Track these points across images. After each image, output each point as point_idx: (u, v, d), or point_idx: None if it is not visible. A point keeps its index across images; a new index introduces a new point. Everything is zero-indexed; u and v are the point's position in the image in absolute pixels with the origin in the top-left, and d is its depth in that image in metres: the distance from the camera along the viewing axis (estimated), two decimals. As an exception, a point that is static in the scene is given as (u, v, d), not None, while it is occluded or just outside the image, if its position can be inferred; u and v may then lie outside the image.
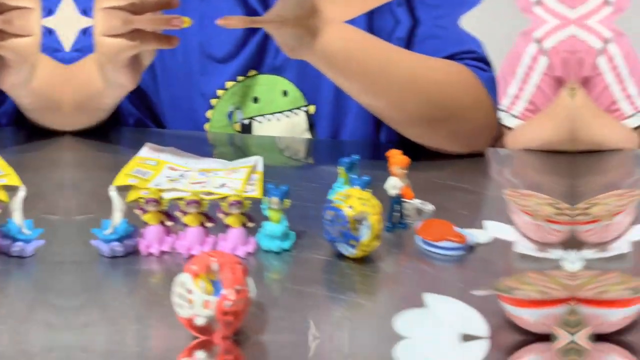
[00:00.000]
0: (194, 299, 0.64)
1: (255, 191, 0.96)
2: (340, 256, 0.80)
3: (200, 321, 0.65)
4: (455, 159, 1.07)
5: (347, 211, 0.77)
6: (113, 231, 0.81)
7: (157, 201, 0.82)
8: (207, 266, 0.66)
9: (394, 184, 0.85)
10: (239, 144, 1.20)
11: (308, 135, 1.18)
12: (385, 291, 0.78)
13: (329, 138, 1.16)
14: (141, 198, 0.84)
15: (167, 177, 1.00)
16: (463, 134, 1.03)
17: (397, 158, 0.84)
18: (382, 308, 0.73)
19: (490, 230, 0.86)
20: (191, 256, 0.80)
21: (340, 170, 0.91)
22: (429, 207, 0.91)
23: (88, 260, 0.80)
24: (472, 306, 0.67)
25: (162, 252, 0.82)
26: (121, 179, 0.98)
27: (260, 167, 1.03)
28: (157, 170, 1.02)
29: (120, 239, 0.81)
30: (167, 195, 0.93)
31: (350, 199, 0.78)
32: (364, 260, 0.79)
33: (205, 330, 0.66)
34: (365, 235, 0.78)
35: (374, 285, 0.78)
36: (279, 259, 0.81)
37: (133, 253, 0.81)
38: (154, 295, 0.74)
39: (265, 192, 0.83)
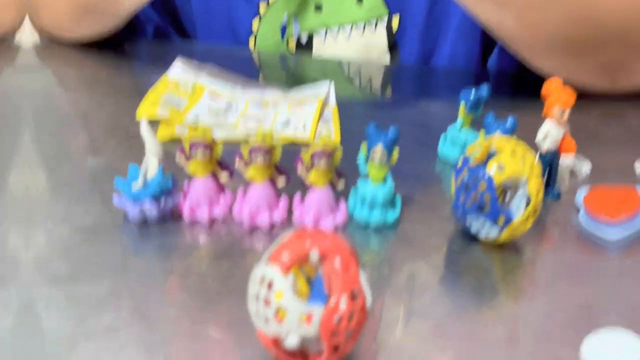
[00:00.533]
0: (286, 309, 0.41)
1: (332, 134, 0.72)
2: (470, 237, 0.56)
3: (293, 342, 0.42)
4: (605, 99, 0.79)
5: (496, 173, 0.53)
6: (144, 185, 0.57)
7: (209, 146, 0.57)
8: (304, 255, 0.43)
9: (550, 133, 0.60)
10: (293, 68, 0.92)
11: (388, 59, 0.90)
12: (544, 296, 0.52)
13: (416, 64, 0.88)
14: (180, 138, 0.59)
15: (210, 109, 0.74)
16: (619, 67, 0.77)
17: (558, 93, 0.58)
18: (550, 325, 0.48)
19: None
20: (254, 228, 0.57)
21: (461, 108, 0.66)
22: (585, 166, 0.66)
23: (105, 228, 0.56)
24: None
25: (213, 220, 0.58)
26: (146, 109, 0.72)
27: (332, 99, 0.77)
28: (195, 98, 0.76)
29: (154, 197, 0.57)
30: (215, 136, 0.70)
31: (501, 153, 0.54)
32: (504, 246, 0.55)
33: (298, 356, 0.43)
34: (519, 210, 0.54)
35: (524, 287, 0.53)
36: (380, 236, 0.57)
37: (170, 218, 0.58)
38: (204, 290, 0.50)
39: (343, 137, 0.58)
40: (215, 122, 0.72)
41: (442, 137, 0.69)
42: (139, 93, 0.74)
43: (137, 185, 0.56)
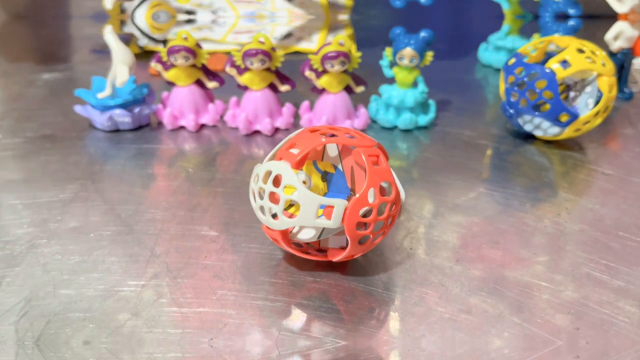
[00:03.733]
0: (299, 203, 0.32)
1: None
2: (522, 137, 0.47)
3: (308, 236, 0.33)
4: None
5: (558, 69, 0.43)
6: (112, 92, 0.48)
7: (191, 50, 0.48)
8: (317, 149, 0.35)
9: (623, 31, 0.51)
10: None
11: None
12: (614, 194, 0.41)
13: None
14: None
15: (192, 22, 0.65)
16: None
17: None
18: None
19: None
20: (251, 134, 0.48)
21: (508, 14, 0.57)
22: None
23: (66, 137, 0.48)
24: None
25: (201, 127, 0.49)
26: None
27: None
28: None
29: (126, 105, 0.48)
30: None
31: (566, 50, 0.44)
32: (564, 145, 0.46)
33: (312, 249, 0.35)
34: (587, 107, 0.45)
35: (587, 186, 0.43)
36: (411, 139, 0.48)
37: (146, 126, 0.49)
38: (193, 193, 0.41)
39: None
40: (199, 36, 0.63)
41: (482, 46, 0.60)
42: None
43: (103, 94, 0.47)
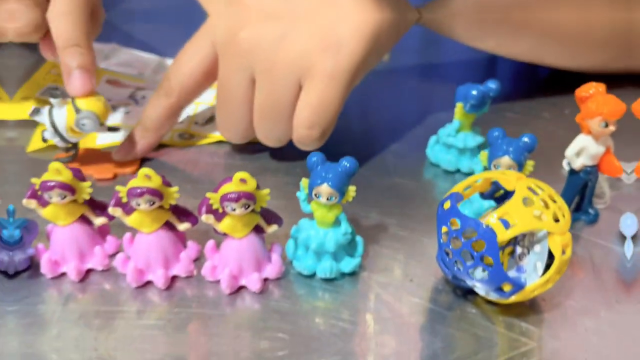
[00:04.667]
0: None
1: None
2: (465, 295, 0.40)
3: None
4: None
5: (499, 229, 0.36)
6: (-21, 233, 0.41)
7: (70, 187, 0.40)
8: None
9: (585, 149, 0.43)
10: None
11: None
12: None
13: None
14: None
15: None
16: None
17: (603, 102, 0.41)
18: None
19: None
20: (145, 284, 0.41)
21: (459, 108, 0.49)
22: (632, 175, 0.49)
23: None
24: None
25: (87, 272, 0.42)
26: (17, 110, 0.55)
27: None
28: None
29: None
30: (102, 141, 0.53)
31: (510, 201, 0.37)
32: (516, 306, 0.39)
33: None
34: (535, 270, 0.38)
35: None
36: (334, 291, 0.41)
37: (27, 271, 0.42)
38: None
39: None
40: (115, 121, 0.55)
41: (432, 141, 0.52)
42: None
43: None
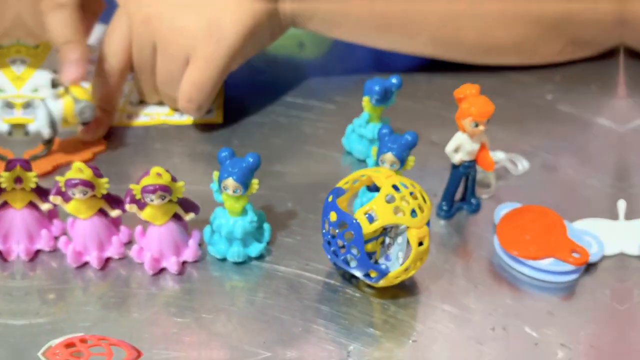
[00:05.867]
0: None
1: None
2: (349, 276, 0.47)
3: None
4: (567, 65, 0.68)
5: (364, 223, 0.43)
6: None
7: (91, 184, 0.46)
8: None
9: (461, 146, 0.49)
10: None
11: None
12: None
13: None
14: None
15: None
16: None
17: (473, 103, 0.47)
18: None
19: (628, 224, 0.51)
20: (84, 264, 0.49)
21: (366, 101, 0.55)
22: (519, 165, 0.56)
23: None
24: None
25: (35, 254, 0.49)
26: None
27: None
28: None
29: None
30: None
31: (379, 196, 0.43)
32: (389, 290, 0.46)
33: None
34: (398, 260, 0.44)
35: (398, 339, 0.44)
36: (242, 272, 0.48)
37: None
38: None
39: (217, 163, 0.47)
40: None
41: (348, 130, 0.58)
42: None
43: None
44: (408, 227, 0.42)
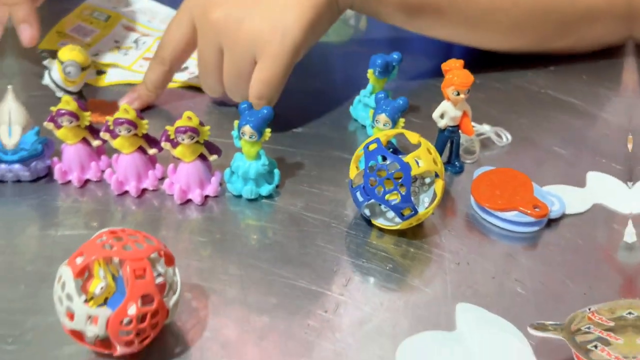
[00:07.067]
0: (74, 310, 0.43)
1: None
2: (341, 218, 0.56)
3: (90, 337, 0.44)
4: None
5: (414, 165, 0.51)
6: (11, 146, 0.59)
7: (74, 114, 0.57)
8: (104, 258, 0.45)
9: (445, 112, 0.57)
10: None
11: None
12: (403, 292, 0.52)
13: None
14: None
15: (115, 43, 0.74)
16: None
17: (455, 73, 0.56)
18: (388, 326, 0.48)
19: (592, 191, 0.59)
20: (124, 193, 0.59)
21: (370, 73, 0.64)
22: (504, 137, 0.64)
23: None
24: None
25: (86, 182, 0.60)
26: (50, 40, 0.73)
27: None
28: (107, 29, 0.76)
29: (23, 160, 0.59)
30: (111, 78, 0.70)
31: (420, 149, 0.52)
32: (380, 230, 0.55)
33: (102, 346, 0.46)
34: (424, 203, 0.55)
35: (380, 265, 0.52)
36: (254, 208, 0.58)
37: (45, 178, 0.60)
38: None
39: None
40: (113, 60, 0.71)
41: (355, 100, 0.67)
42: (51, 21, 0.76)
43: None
44: (437, 178, 0.52)
